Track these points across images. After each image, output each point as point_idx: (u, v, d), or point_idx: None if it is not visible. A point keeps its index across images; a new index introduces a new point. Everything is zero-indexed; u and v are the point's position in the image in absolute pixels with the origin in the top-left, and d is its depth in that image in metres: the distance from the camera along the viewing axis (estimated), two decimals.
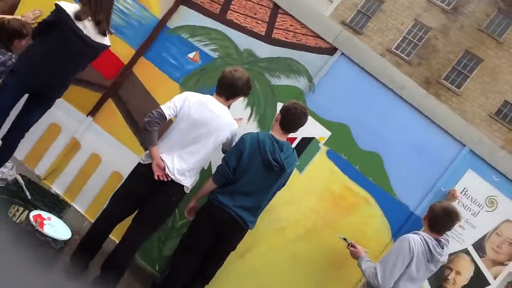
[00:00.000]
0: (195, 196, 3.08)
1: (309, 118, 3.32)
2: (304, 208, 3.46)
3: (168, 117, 2.81)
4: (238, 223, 2.92)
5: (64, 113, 3.54)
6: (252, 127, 3.44)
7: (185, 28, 3.53)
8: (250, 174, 2.89)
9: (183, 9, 3.53)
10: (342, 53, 3.45)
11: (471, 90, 20.67)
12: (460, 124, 3.46)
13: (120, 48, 3.53)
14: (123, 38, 3.54)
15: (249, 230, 3.10)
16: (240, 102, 3.46)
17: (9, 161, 3.35)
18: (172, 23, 3.53)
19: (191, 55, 3.52)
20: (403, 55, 21.76)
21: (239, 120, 3.21)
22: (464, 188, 3.42)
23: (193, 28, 3.53)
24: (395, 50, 21.96)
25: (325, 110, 3.47)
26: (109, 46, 3.12)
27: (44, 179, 3.56)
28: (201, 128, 2.85)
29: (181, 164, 2.84)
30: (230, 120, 2.94)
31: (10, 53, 3.12)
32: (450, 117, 3.47)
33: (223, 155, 3.06)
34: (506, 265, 3.41)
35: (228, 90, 2.90)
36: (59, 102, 3.42)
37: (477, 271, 3.40)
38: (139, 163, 2.94)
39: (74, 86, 3.45)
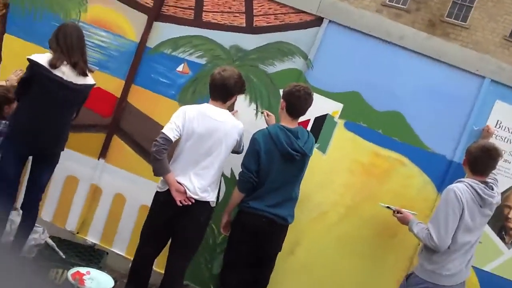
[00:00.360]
0: (226, 210, 2.97)
1: (316, 95, 3.19)
2: (338, 187, 3.30)
3: (173, 139, 2.69)
4: (275, 223, 2.80)
5: (77, 163, 3.48)
6: (262, 123, 3.29)
7: (165, 44, 3.42)
8: (273, 171, 2.76)
9: (158, 25, 3.42)
10: (330, 21, 3.26)
11: (478, 19, 19.92)
12: (472, 56, 3.22)
13: (108, 82, 3.45)
14: (109, 72, 3.46)
15: (291, 226, 2.97)
16: (242, 101, 3.33)
17: (38, 225, 3.33)
18: (151, 43, 3.43)
19: (179, 68, 3.40)
20: (399, 5, 21.15)
21: (234, 113, 3.08)
22: (497, 121, 3.17)
23: (173, 41, 3.41)
24: (389, 3, 21.38)
25: (330, 83, 3.29)
26: (94, 84, 3.04)
27: (78, 233, 3.52)
28: (209, 140, 2.73)
29: (200, 181, 2.72)
30: (234, 122, 2.81)
31: (4, 121, 3.08)
32: (460, 53, 3.23)
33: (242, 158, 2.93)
34: None
35: (221, 92, 2.77)
36: (69, 154, 3.38)
37: None
38: (157, 192, 2.83)
39: (77, 134, 3.41)
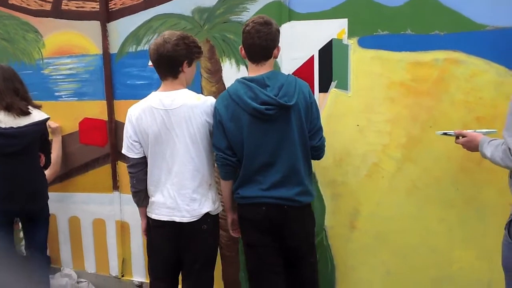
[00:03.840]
0: (225, 208, 2.33)
1: (310, 23, 2.43)
2: (383, 125, 2.43)
3: (139, 155, 2.17)
4: (282, 208, 2.07)
5: (96, 205, 3.17)
6: None
7: (127, 42, 2.92)
8: (252, 141, 2.04)
9: (113, 26, 2.94)
10: None
11: None
12: None
13: (92, 109, 3.07)
14: (88, 98, 3.08)
15: (340, 195, 2.25)
16: (228, 68, 2.69)
17: (82, 279, 3.11)
18: (113, 47, 2.96)
19: (150, 63, 2.86)
20: None
21: None
22: None
23: (133, 35, 2.89)
24: None
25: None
26: (46, 118, 2.69)
27: (123, 275, 3.20)
28: (168, 136, 2.10)
29: (180, 191, 2.12)
30: (194, 101, 2.11)
31: None
32: None
33: None
34: None
35: (165, 66, 2.11)
36: (85, 198, 3.13)
37: None
38: (147, 219, 2.29)
39: (85, 175, 3.15)
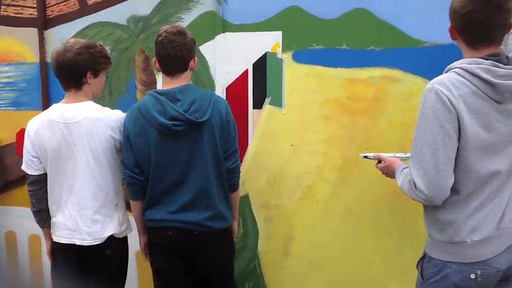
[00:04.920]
0: (137, 230, 2.17)
1: (244, 35, 2.30)
2: (318, 146, 2.27)
3: (38, 172, 2.02)
4: (191, 234, 1.90)
5: (32, 220, 3.04)
6: None
7: None
8: (160, 159, 1.88)
9: (50, 34, 2.81)
10: None
11: None
12: None
13: (29, 119, 2.93)
14: (25, 108, 2.93)
15: (272, 219, 2.14)
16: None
17: None
18: (50, 56, 2.83)
19: None
20: None
21: None
22: None
23: None
24: None
25: (256, 11, 2.31)
26: None
27: None
28: (69, 152, 1.94)
29: (81, 212, 1.96)
30: (97, 114, 1.95)
31: None
32: None
33: None
34: None
35: (67, 76, 1.95)
36: (23, 213, 2.97)
37: None
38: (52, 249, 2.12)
39: (18, 189, 2.98)
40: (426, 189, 1.39)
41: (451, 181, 1.39)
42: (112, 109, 2.08)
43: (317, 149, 2.27)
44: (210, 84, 2.43)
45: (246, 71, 2.36)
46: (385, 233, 2.20)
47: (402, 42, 2.07)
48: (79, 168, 1.95)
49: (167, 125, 1.81)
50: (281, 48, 2.28)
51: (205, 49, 2.42)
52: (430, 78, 2.02)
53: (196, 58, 2.00)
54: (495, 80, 1.36)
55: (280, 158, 2.34)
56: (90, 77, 1.97)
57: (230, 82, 2.39)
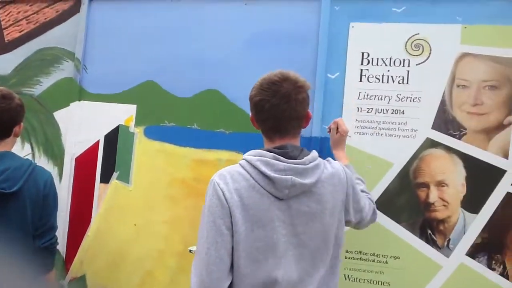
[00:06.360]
0: None
1: (102, 104, 2.22)
2: (160, 227, 2.12)
3: None
4: None
5: None
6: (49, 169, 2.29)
7: None
8: None
9: None
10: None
11: None
12: None
13: None
14: None
15: None
16: (18, 147, 2.36)
17: None
18: None
19: None
20: None
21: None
22: (363, 54, 1.92)
23: None
24: None
25: (113, 82, 2.23)
26: None
27: None
28: None
29: None
30: None
31: None
32: None
33: None
34: None
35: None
36: None
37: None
38: None
39: None
40: None
41: (225, 284, 1.25)
42: None
43: (159, 231, 2.11)
44: (60, 153, 2.28)
45: (98, 142, 2.24)
46: None
47: (249, 126, 2.03)
48: None
49: None
50: (134, 122, 2.20)
51: (59, 116, 2.30)
52: None
53: (22, 124, 1.86)
54: (272, 174, 1.28)
55: (122, 237, 2.15)
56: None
57: (81, 152, 2.26)
